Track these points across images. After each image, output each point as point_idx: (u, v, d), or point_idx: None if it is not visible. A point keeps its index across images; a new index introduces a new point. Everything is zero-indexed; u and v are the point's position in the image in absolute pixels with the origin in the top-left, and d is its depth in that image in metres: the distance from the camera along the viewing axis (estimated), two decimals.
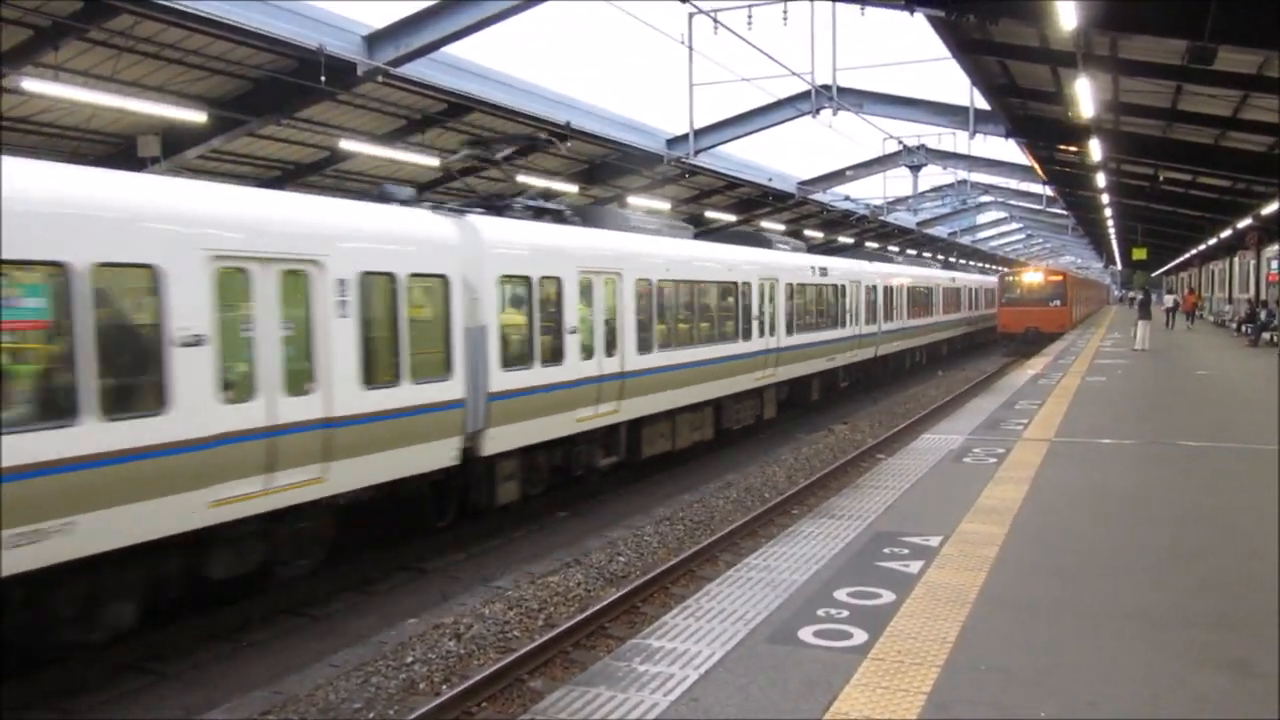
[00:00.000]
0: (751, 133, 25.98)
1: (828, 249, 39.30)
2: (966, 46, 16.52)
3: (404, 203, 11.96)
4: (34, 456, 6.96)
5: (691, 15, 21.42)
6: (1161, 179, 27.08)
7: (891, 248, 47.98)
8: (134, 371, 7.98)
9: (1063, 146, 24.61)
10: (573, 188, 26.29)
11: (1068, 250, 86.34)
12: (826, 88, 24.03)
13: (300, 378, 9.29)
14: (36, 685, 7.97)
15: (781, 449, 19.45)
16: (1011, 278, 43.47)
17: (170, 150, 18.17)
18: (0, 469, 6.74)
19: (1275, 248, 36.93)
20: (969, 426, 13.53)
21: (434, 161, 21.46)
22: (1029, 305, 40.90)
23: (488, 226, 12.38)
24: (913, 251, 53.83)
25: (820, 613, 5.89)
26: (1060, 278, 42.99)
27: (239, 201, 9.34)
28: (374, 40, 16.06)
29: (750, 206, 36.06)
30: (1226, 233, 36.38)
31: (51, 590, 7.50)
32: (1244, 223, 31.95)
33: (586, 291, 13.88)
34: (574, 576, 10.89)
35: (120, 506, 7.57)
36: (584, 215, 15.67)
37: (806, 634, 5.54)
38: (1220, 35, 11.78)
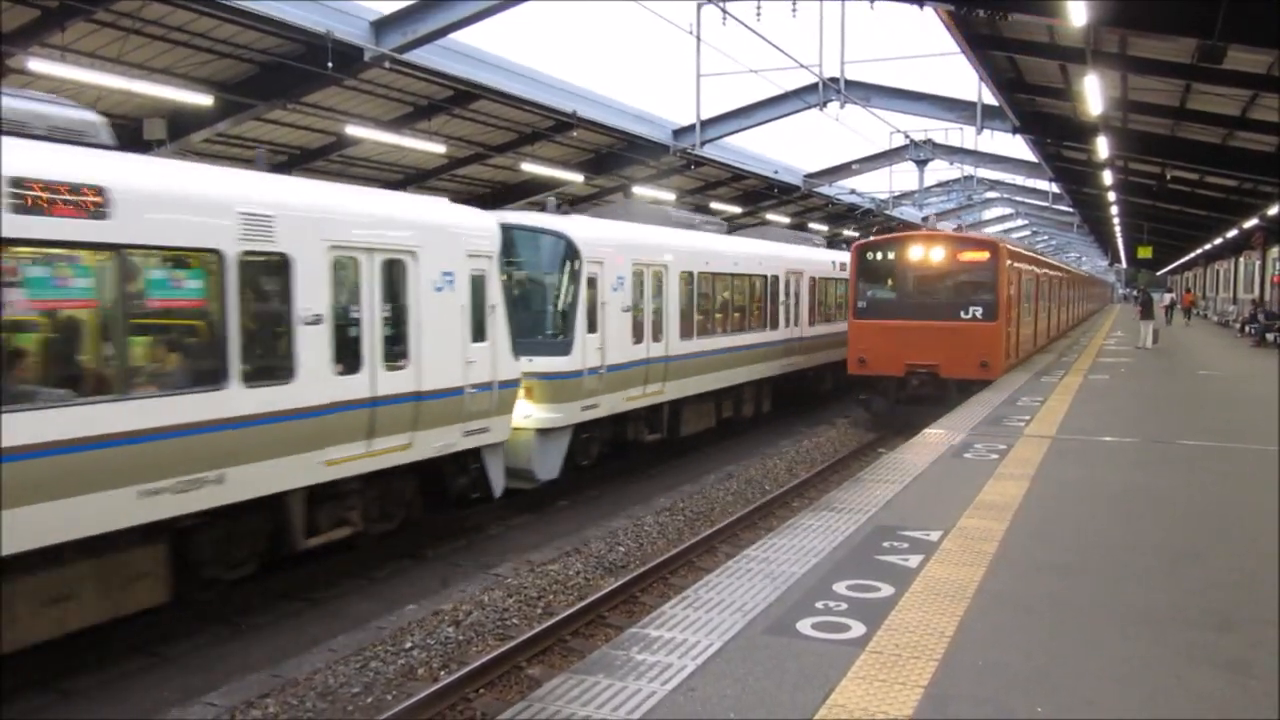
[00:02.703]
0: (758, 124, 25.94)
1: None
2: (975, 41, 16.46)
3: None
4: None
5: (700, 6, 21.37)
6: (1168, 177, 27.02)
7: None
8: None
9: (1070, 144, 24.55)
10: (578, 177, 26.26)
11: (1073, 247, 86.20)
12: (834, 80, 23.96)
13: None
14: (37, 666, 7.98)
15: (782, 441, 19.46)
16: (875, 255, 20.63)
17: (176, 133, 18.16)
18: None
19: None
20: (971, 422, 13.51)
21: (440, 149, 21.44)
22: (916, 317, 19.70)
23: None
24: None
25: (819, 605, 5.89)
26: (984, 256, 19.97)
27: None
28: (381, 26, 16.04)
29: (756, 198, 35.99)
30: (1232, 232, 36.33)
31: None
32: (1250, 223, 31.89)
33: None
34: (573, 565, 10.91)
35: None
36: None
37: (805, 626, 5.54)
38: (1230, 34, 11.74)
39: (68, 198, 7.21)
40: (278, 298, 9.00)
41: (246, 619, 9.43)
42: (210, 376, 8.32)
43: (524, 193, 28.23)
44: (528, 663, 8.36)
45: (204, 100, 16.20)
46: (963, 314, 19.54)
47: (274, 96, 17.77)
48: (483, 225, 11.91)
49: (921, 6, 13.74)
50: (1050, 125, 23.56)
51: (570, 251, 13.75)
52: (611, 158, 26.69)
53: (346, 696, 7.64)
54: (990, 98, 22.76)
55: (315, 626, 9.32)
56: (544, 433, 13.21)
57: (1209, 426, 13.31)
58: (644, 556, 11.44)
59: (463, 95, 19.95)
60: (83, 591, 7.70)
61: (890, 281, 20.44)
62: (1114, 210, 39.53)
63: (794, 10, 19.92)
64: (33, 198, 7.01)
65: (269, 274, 8.91)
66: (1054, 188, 40.72)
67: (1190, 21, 12.24)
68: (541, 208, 15.43)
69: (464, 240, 11.33)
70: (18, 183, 6.91)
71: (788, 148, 63.18)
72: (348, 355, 9.64)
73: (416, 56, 16.79)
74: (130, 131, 18.16)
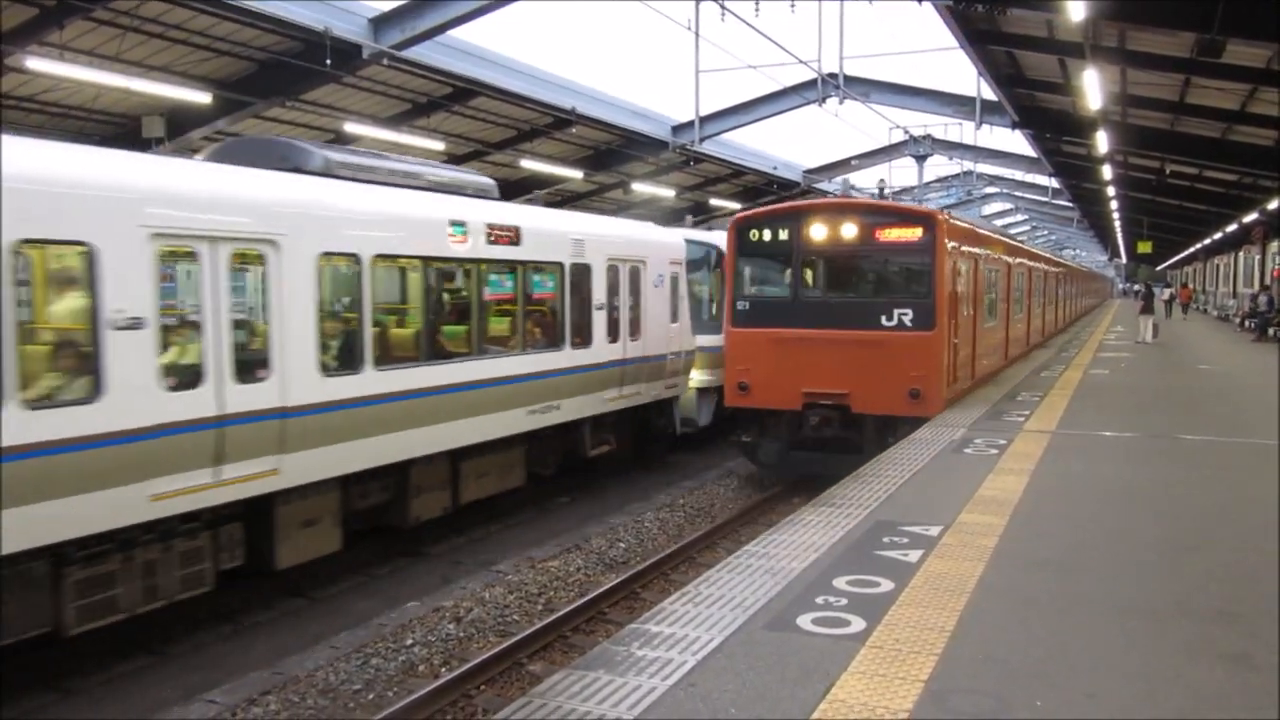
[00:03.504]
0: (757, 120, 25.95)
1: None
2: (975, 36, 16.47)
3: None
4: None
5: (699, 2, 21.35)
6: (1168, 172, 27.04)
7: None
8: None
9: (1069, 138, 24.55)
10: (577, 173, 26.25)
11: (1072, 242, 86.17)
12: (833, 76, 23.95)
13: None
14: (38, 664, 7.99)
15: None
16: (761, 234, 14.14)
17: (175, 131, 18.15)
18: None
19: None
20: (971, 417, 13.50)
21: (439, 146, 21.43)
22: (817, 325, 13.57)
23: None
24: None
25: (819, 600, 5.89)
26: (915, 234, 13.32)
27: None
28: (380, 23, 16.04)
29: (755, 195, 35.99)
30: (1232, 227, 36.32)
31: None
32: (1250, 217, 31.89)
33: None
34: (574, 562, 10.92)
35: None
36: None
37: (805, 621, 5.54)
38: (1229, 28, 11.74)
39: (504, 234, 11.81)
40: (584, 292, 13.47)
41: (247, 617, 9.44)
42: (555, 341, 12.98)
43: (523, 189, 28.22)
44: (528, 659, 8.37)
45: (202, 98, 16.20)
46: (884, 320, 13.35)
47: (272, 94, 17.76)
48: (677, 240, 16.66)
49: (921, 1, 13.74)
50: (1049, 120, 23.57)
51: (718, 257, 17.66)
52: (611, 154, 26.70)
53: (348, 693, 7.65)
54: (989, 93, 22.76)
55: (316, 624, 9.33)
56: (703, 391, 17.34)
57: (1209, 421, 13.30)
58: (644, 553, 11.46)
59: (461, 92, 19.95)
60: (491, 472, 12.14)
61: (784, 274, 14.27)
62: (1113, 205, 39.55)
63: (793, 6, 19.91)
64: (493, 234, 11.64)
65: (581, 277, 13.40)
66: (1053, 183, 40.72)
67: (1189, 16, 12.25)
68: (681, 223, 19.82)
69: (667, 251, 15.95)
70: (491, 225, 11.58)
71: (787, 144, 63.29)
72: (613, 330, 14.08)
73: (415, 53, 16.79)
74: (129, 130, 18.17)
